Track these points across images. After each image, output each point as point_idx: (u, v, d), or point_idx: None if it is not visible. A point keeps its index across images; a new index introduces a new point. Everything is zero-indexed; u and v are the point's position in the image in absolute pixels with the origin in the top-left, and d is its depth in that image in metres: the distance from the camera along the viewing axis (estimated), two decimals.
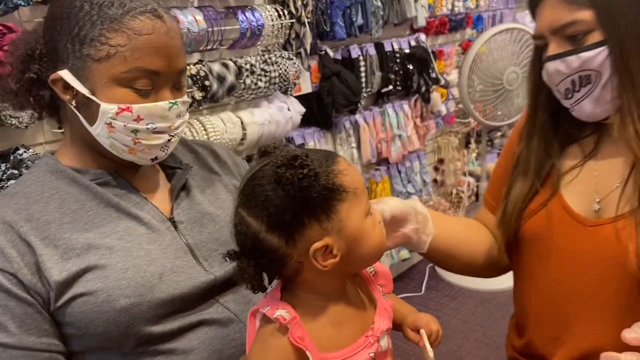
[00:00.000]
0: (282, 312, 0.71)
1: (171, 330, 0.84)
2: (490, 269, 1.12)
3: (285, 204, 0.70)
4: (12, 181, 1.57)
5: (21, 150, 1.65)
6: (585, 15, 0.86)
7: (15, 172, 1.59)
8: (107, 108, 0.83)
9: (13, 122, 1.63)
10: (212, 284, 0.89)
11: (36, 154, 1.67)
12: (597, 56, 0.87)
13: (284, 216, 0.70)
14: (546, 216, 0.98)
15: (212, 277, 0.89)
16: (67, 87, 0.85)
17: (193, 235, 0.92)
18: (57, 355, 0.83)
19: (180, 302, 0.85)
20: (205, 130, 2.07)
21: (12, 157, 1.63)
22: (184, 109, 0.90)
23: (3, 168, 1.58)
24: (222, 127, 2.15)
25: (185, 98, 0.91)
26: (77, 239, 0.83)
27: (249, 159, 2.19)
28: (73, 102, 0.86)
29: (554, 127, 1.01)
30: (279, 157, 0.71)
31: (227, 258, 0.75)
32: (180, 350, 0.85)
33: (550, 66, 0.92)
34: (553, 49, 0.91)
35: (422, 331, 0.87)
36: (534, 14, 0.95)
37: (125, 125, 0.84)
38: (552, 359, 0.99)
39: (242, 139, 2.23)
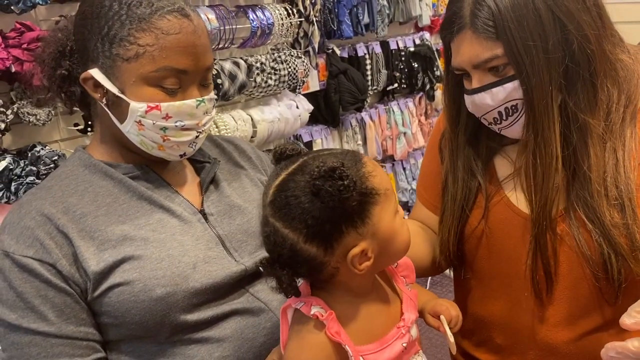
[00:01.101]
0: (318, 309, 0.73)
1: (205, 319, 0.86)
2: (436, 269, 1.12)
3: (324, 216, 0.70)
4: (31, 177, 1.59)
5: (38, 148, 1.68)
6: (500, 50, 0.85)
7: (34, 168, 1.62)
8: (137, 107, 0.85)
9: (31, 120, 1.65)
10: (243, 274, 0.91)
11: (53, 150, 1.69)
12: (518, 88, 0.87)
13: (324, 227, 0.70)
14: (488, 223, 0.99)
15: (243, 268, 0.91)
16: (98, 85, 0.87)
17: (223, 227, 0.94)
18: (94, 344, 0.85)
19: (213, 292, 0.87)
20: (217, 127, 2.09)
21: (30, 154, 1.65)
22: (211, 106, 0.92)
23: (22, 165, 1.61)
24: (233, 124, 2.17)
25: (212, 95, 0.93)
26: (112, 231, 0.85)
27: None
28: (103, 100, 0.88)
29: (474, 144, 1.01)
30: (314, 168, 0.70)
31: (261, 268, 0.75)
32: (214, 338, 0.87)
33: (477, 98, 0.90)
34: (477, 81, 0.89)
35: (443, 317, 0.88)
36: (448, 47, 0.93)
37: (154, 123, 0.86)
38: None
39: (252, 137, 2.25)
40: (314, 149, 2.73)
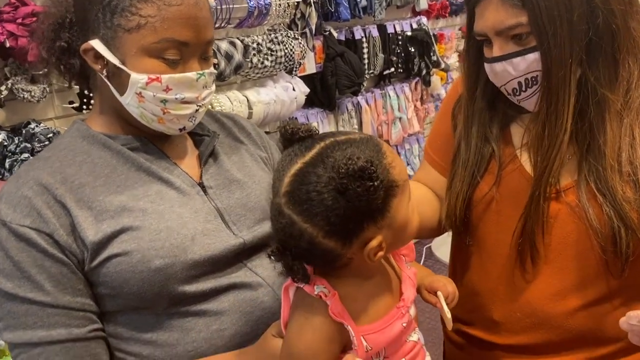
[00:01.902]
0: (322, 288, 0.72)
1: (203, 292, 0.86)
2: (439, 232, 1.13)
3: (348, 214, 0.68)
4: (26, 154, 1.58)
5: (33, 125, 1.66)
6: (524, 18, 0.86)
7: (29, 145, 1.60)
8: (137, 78, 0.84)
9: (25, 96, 1.64)
10: (241, 247, 0.91)
11: (47, 128, 1.68)
12: (539, 59, 0.87)
13: (346, 224, 0.69)
14: (499, 190, 0.99)
15: (241, 241, 0.91)
16: (98, 56, 0.86)
17: (222, 200, 0.94)
18: (91, 314, 0.85)
19: (211, 264, 0.87)
20: (212, 108, 2.08)
21: (24, 131, 1.64)
22: (211, 80, 0.92)
23: (16, 141, 1.59)
24: (229, 105, 2.16)
25: (212, 69, 0.92)
26: (110, 202, 0.85)
27: None
28: (104, 72, 0.87)
29: (491, 111, 1.01)
30: (340, 164, 0.67)
31: (271, 257, 0.74)
32: (212, 311, 0.87)
33: (498, 67, 0.90)
34: (498, 49, 0.89)
35: (440, 293, 0.89)
36: (472, 12, 0.93)
37: (154, 96, 0.85)
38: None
39: (247, 118, 2.24)
40: None
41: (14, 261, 0.80)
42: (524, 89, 0.91)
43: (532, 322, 0.99)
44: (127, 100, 0.87)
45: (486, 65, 0.94)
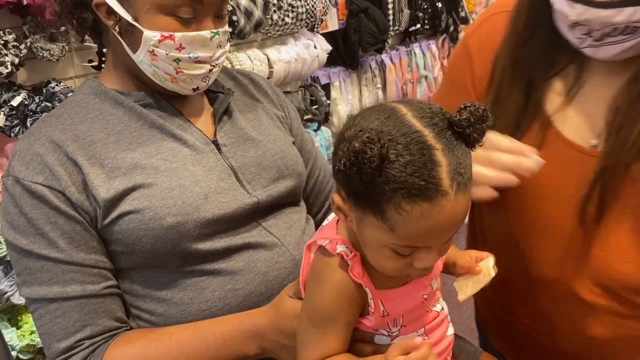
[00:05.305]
0: (344, 248, 0.71)
1: (216, 250, 0.86)
2: None
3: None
4: (46, 114, 1.58)
5: (53, 84, 1.66)
6: None
7: (49, 104, 1.61)
8: (150, 35, 0.83)
9: (44, 55, 1.63)
10: (255, 206, 0.90)
11: (67, 87, 1.68)
12: None
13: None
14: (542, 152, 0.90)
15: (256, 200, 0.90)
16: (111, 12, 0.85)
17: (236, 158, 0.92)
18: (105, 272, 0.85)
19: (224, 223, 0.86)
20: (232, 67, 2.05)
21: (44, 90, 1.64)
22: (225, 39, 0.89)
23: (37, 101, 1.60)
24: (249, 64, 2.13)
25: (227, 28, 0.90)
26: (122, 159, 0.84)
27: None
28: (116, 28, 0.85)
29: (545, 59, 0.91)
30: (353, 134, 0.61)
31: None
32: (227, 271, 0.86)
33: (603, 14, 0.78)
34: None
35: (491, 257, 0.82)
36: None
37: (167, 54, 0.84)
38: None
39: (268, 77, 2.21)
40: (332, 92, 2.68)
41: (28, 218, 0.81)
42: (613, 34, 0.80)
43: (572, 311, 0.93)
44: (140, 58, 0.85)
45: (578, 7, 0.80)
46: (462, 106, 0.63)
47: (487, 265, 0.80)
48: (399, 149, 0.59)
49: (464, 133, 0.62)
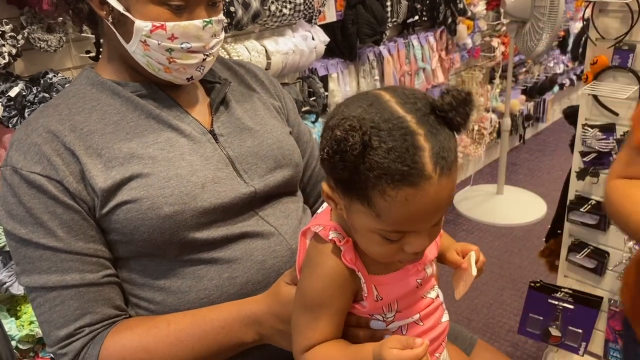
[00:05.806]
0: (336, 234, 0.71)
1: (214, 239, 0.86)
2: None
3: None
4: (44, 104, 1.58)
5: (50, 75, 1.66)
6: None
7: (47, 95, 1.60)
8: (142, 25, 0.83)
9: (42, 45, 1.63)
10: (252, 196, 0.90)
11: (65, 78, 1.67)
12: None
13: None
14: None
15: (252, 190, 0.90)
16: (103, 2, 0.85)
17: (233, 148, 0.93)
18: (104, 260, 0.86)
19: (222, 212, 0.87)
20: (229, 58, 2.05)
21: (42, 81, 1.64)
22: (219, 28, 0.89)
23: (35, 91, 1.60)
24: (246, 55, 2.12)
25: (221, 16, 0.89)
26: (119, 149, 0.84)
27: None
28: (109, 18, 0.85)
29: None
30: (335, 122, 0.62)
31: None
32: (224, 259, 0.87)
33: None
34: None
35: (473, 253, 0.83)
36: None
37: (159, 44, 0.84)
38: None
39: (265, 69, 2.21)
40: (330, 83, 2.67)
41: (27, 207, 0.81)
42: None
43: None
44: (133, 49, 0.86)
45: None
46: (445, 90, 0.64)
47: (470, 262, 0.81)
48: (381, 135, 0.59)
49: (447, 117, 0.62)
